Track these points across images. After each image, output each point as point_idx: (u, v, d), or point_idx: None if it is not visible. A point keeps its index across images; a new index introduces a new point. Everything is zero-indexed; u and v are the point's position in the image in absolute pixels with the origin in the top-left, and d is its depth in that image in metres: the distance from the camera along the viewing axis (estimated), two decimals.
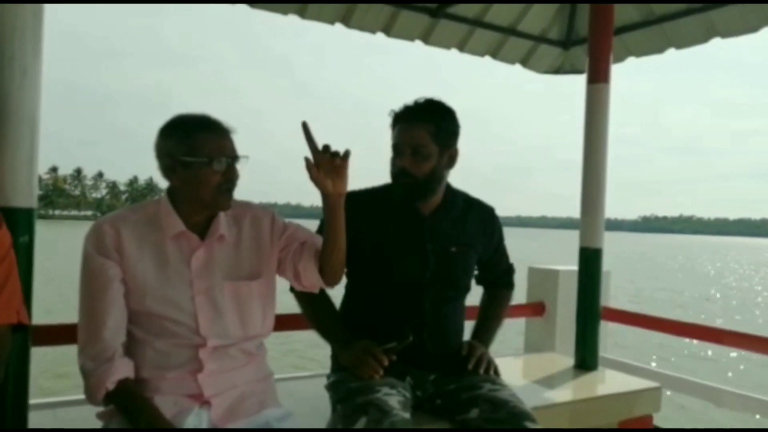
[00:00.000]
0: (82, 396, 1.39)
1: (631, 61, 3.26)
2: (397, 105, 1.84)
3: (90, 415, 1.45)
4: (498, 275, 2.13)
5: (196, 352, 1.42)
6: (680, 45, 3.02)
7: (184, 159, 1.41)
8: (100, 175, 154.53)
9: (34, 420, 1.57)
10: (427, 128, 1.78)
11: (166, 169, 1.45)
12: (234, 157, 1.46)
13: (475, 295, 2.07)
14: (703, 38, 2.90)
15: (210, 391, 1.42)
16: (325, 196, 1.47)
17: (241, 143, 1.50)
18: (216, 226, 1.49)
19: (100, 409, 1.43)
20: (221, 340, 1.45)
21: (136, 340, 1.42)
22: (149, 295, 1.41)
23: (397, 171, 1.82)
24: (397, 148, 1.81)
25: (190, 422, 1.35)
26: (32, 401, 1.56)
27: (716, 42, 2.87)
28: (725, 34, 2.82)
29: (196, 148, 1.41)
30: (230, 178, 1.45)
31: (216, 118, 1.47)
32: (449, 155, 1.85)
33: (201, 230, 1.49)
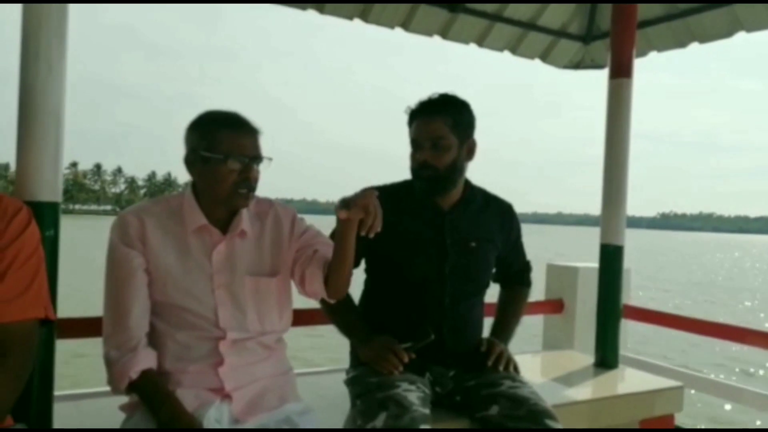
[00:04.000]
0: (105, 388, 1.40)
1: (651, 54, 3.22)
2: (410, 99, 1.85)
3: (113, 407, 1.47)
4: (516, 273, 2.12)
5: (217, 345, 1.43)
6: (704, 39, 2.96)
7: (203, 154, 1.42)
8: (119, 170, 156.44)
9: (59, 412, 1.59)
10: (445, 121, 1.79)
11: (187, 162, 1.46)
12: (254, 157, 1.45)
13: (492, 294, 2.05)
14: (728, 32, 2.85)
15: (231, 385, 1.43)
16: (343, 222, 1.40)
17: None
18: (238, 221, 1.49)
19: (124, 401, 1.44)
20: (240, 334, 1.46)
21: (157, 332, 1.44)
22: (171, 286, 1.42)
23: (417, 164, 1.81)
24: (417, 142, 1.82)
25: (211, 415, 1.36)
26: (57, 393, 1.58)
27: (741, 36, 2.82)
28: (750, 28, 2.76)
29: (215, 144, 1.41)
30: (247, 177, 1.44)
31: (243, 117, 1.47)
32: (468, 147, 1.85)
33: (223, 225, 1.49)
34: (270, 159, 1.48)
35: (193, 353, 1.43)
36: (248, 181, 1.44)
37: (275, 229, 1.55)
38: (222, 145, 1.41)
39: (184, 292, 1.43)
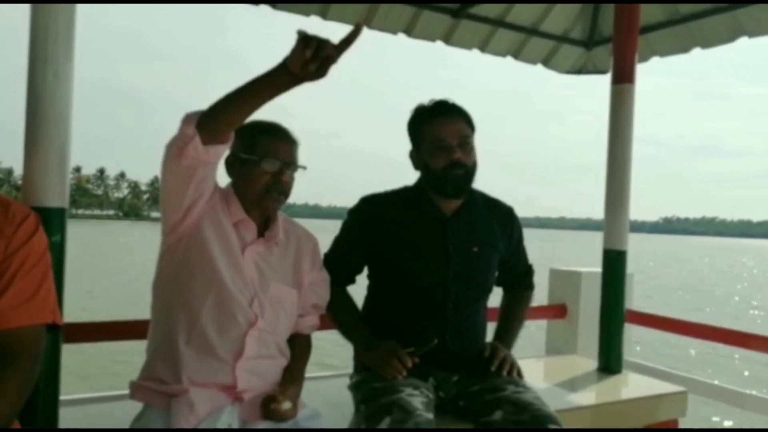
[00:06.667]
0: (112, 393, 1.41)
1: (653, 58, 3.23)
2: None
3: (120, 411, 1.48)
4: (518, 276, 2.12)
5: (246, 330, 1.45)
6: (706, 44, 2.98)
7: (241, 155, 1.51)
8: (122, 175, 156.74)
9: (65, 416, 1.59)
10: (465, 120, 1.84)
11: (227, 164, 1.54)
12: (288, 163, 1.52)
13: (494, 298, 2.06)
14: (730, 37, 2.86)
15: (243, 384, 1.44)
16: (290, 77, 1.21)
17: None
18: (275, 228, 1.56)
19: (136, 406, 1.45)
20: (266, 325, 1.49)
21: (192, 311, 1.43)
22: (215, 252, 1.44)
23: (448, 164, 1.80)
24: (444, 143, 1.80)
25: (223, 420, 1.37)
26: (62, 398, 1.59)
27: (744, 41, 2.83)
28: (752, 33, 2.78)
29: (253, 147, 1.50)
30: (279, 180, 1.51)
31: (283, 127, 1.56)
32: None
33: (258, 228, 1.55)
34: (304, 168, 1.56)
35: (225, 329, 1.43)
36: (280, 184, 1.51)
37: (297, 249, 1.63)
38: (259, 148, 1.50)
39: (224, 259, 1.45)
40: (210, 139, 1.31)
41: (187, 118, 1.31)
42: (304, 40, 1.15)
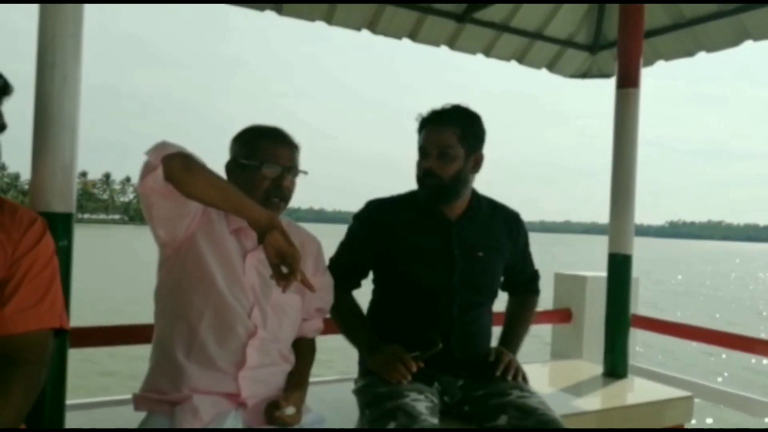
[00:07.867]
0: (118, 397, 1.41)
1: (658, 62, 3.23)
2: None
3: (126, 415, 1.48)
4: (523, 281, 2.12)
5: (246, 341, 1.44)
6: (711, 48, 2.98)
7: (242, 161, 1.50)
8: (127, 179, 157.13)
9: (71, 420, 1.60)
10: (453, 131, 1.81)
11: (227, 169, 1.54)
12: (288, 168, 1.51)
13: (500, 303, 2.06)
14: (735, 41, 2.86)
15: (246, 392, 1.43)
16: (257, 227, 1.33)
17: None
18: None
19: (142, 414, 1.45)
20: (267, 334, 1.48)
21: (189, 323, 1.42)
22: (212, 260, 1.43)
23: (422, 172, 1.83)
24: (424, 150, 1.83)
25: (228, 424, 1.37)
26: (69, 402, 1.59)
27: (749, 44, 2.83)
28: (758, 36, 2.78)
29: (253, 152, 1.49)
30: (279, 185, 1.50)
31: (283, 131, 1.56)
32: (475, 159, 1.86)
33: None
34: (305, 173, 1.55)
35: (221, 346, 1.41)
36: (281, 189, 1.51)
37: (301, 252, 1.60)
38: (259, 153, 1.49)
39: (221, 270, 1.44)
40: (172, 183, 1.29)
41: (156, 148, 1.30)
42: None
